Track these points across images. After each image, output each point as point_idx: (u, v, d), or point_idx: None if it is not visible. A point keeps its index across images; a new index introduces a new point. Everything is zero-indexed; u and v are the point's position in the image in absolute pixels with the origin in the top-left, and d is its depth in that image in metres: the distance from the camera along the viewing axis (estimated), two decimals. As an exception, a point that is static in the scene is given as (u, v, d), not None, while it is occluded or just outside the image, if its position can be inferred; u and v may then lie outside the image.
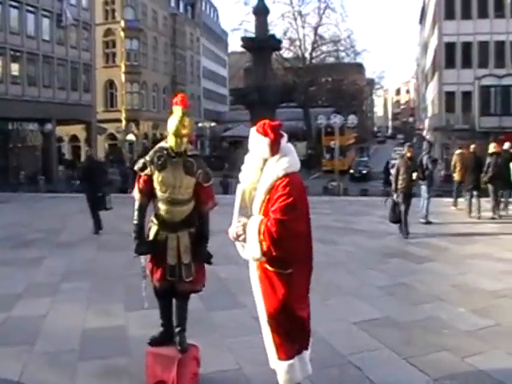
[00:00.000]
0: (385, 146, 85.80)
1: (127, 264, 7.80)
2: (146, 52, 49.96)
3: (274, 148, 3.14)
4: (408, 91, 69.32)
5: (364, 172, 36.73)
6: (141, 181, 3.92)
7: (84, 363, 4.34)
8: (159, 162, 3.87)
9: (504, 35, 37.68)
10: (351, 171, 36.30)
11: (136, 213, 3.95)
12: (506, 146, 13.79)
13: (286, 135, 3.22)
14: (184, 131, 3.84)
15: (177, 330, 4.02)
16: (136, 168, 3.95)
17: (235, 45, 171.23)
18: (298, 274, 3.15)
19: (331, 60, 56.81)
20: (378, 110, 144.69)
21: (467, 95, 38.16)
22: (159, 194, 3.89)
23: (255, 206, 3.19)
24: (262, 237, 3.02)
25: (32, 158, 33.18)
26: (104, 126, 43.60)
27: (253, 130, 3.24)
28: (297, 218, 3.04)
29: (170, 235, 3.94)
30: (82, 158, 32.36)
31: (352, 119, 28.86)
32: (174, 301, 4.12)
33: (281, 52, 45.61)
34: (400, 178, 10.07)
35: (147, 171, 3.89)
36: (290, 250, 3.06)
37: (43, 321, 5.35)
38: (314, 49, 53.32)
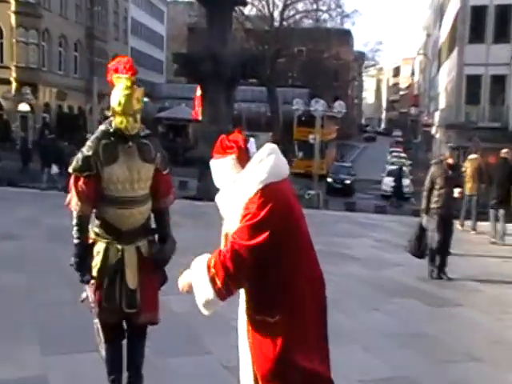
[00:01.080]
0: (375, 144, 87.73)
1: (33, 286, 7.75)
2: (49, -14, 48.94)
3: (244, 159, 3.16)
4: (413, 72, 70.49)
5: (347, 182, 36.57)
6: (80, 184, 3.93)
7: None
8: (108, 152, 3.92)
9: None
10: (329, 180, 36.27)
11: (76, 229, 3.99)
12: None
13: (251, 139, 3.28)
14: (137, 106, 3.96)
15: (129, 379, 4.12)
16: (72, 169, 3.97)
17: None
18: (293, 319, 3.14)
19: (309, 23, 57.59)
20: (369, 96, 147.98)
21: (499, 81, 38.73)
22: (110, 194, 3.95)
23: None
24: (213, 270, 3.04)
25: None
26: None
27: (211, 162, 3.27)
28: (271, 241, 3.01)
29: (127, 248, 4.00)
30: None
31: (339, 107, 29.38)
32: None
33: (242, 8, 45.84)
34: (435, 193, 9.80)
35: (90, 171, 3.91)
36: (260, 283, 3.08)
37: None
38: (286, 6, 53.98)
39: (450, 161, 10.10)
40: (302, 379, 3.16)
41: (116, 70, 4.00)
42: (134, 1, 69.70)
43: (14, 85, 45.37)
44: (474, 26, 39.58)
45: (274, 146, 3.25)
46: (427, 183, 9.98)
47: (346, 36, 69.33)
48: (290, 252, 3.11)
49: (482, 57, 38.74)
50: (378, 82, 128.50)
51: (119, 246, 3.98)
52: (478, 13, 39.28)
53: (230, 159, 3.16)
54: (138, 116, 4.00)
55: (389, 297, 8.50)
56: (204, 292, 3.08)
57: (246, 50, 46.08)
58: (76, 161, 3.96)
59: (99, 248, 4.01)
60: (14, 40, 45.70)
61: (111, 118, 4.00)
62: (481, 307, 8.33)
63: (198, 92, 23.52)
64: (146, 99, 52.15)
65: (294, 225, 3.16)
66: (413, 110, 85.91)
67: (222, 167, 3.21)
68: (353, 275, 9.63)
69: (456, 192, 9.84)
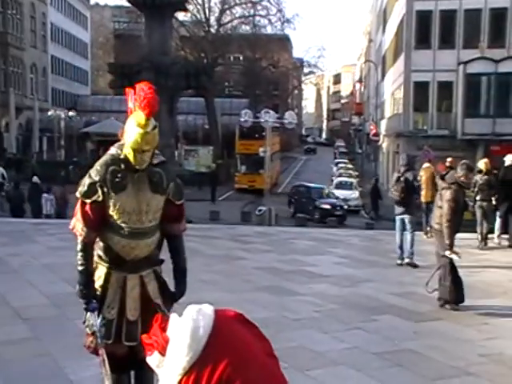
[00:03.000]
0: (317, 155, 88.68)
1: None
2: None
3: (165, 348, 2.85)
4: (360, 79, 71.30)
5: (344, 208, 33.85)
6: (86, 209, 3.98)
7: None
8: (116, 181, 3.97)
9: (506, 0, 38.56)
10: (325, 206, 33.65)
11: (80, 255, 4.01)
12: (509, 159, 15.39)
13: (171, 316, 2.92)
14: (146, 147, 3.99)
15: None
16: (79, 194, 4.01)
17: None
18: None
19: (247, 30, 58.13)
20: (309, 105, 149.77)
21: (446, 87, 39.84)
22: (116, 223, 4.01)
23: None
24: None
25: None
26: None
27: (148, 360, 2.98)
28: None
29: (130, 277, 4.06)
30: None
31: (290, 118, 29.82)
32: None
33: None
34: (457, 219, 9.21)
35: (96, 197, 3.96)
36: None
37: None
38: (223, 11, 54.40)
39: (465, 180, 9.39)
40: None
41: (137, 103, 4.01)
42: (54, 4, 68.56)
43: None
44: (420, 31, 40.67)
45: (187, 313, 2.85)
46: (451, 211, 9.04)
47: (285, 42, 70.18)
48: None
49: (428, 63, 39.94)
50: (318, 90, 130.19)
51: (122, 274, 4.04)
52: (424, 18, 40.35)
53: (156, 356, 2.89)
54: (149, 154, 4.03)
55: (367, 314, 8.68)
56: None
57: (186, 58, 46.22)
58: (82, 185, 3.99)
59: (100, 273, 4.05)
60: None
61: (122, 142, 4.06)
62: (459, 320, 8.58)
63: (130, 104, 23.34)
64: (70, 113, 51.91)
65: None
66: (356, 119, 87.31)
67: (153, 365, 2.91)
68: (326, 294, 9.79)
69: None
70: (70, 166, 36.58)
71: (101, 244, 4.07)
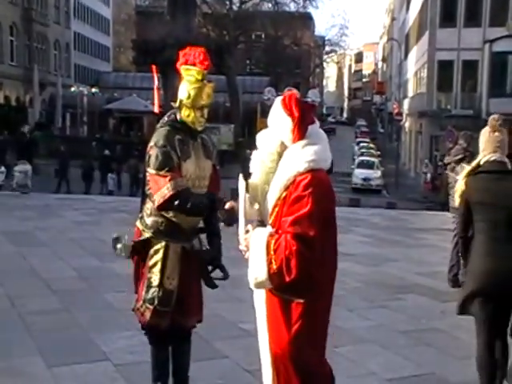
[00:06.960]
0: (337, 134, 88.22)
1: (13, 294, 7.59)
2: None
3: (298, 132, 3.31)
4: (384, 58, 69.99)
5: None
6: (165, 176, 3.95)
7: None
8: (184, 149, 4.05)
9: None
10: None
11: (192, 203, 3.93)
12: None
13: (317, 121, 3.44)
14: (206, 101, 4.10)
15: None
16: (153, 169, 3.97)
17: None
18: (316, 306, 3.34)
19: (268, 7, 57.82)
20: (330, 84, 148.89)
21: (471, 66, 39.55)
22: None
23: (268, 206, 3.36)
24: (272, 253, 3.16)
25: None
26: None
27: (278, 100, 3.41)
28: (323, 233, 3.23)
29: (186, 246, 4.18)
30: None
31: (313, 96, 29.65)
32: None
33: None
34: None
35: (172, 164, 3.98)
36: (309, 275, 3.22)
37: None
38: (246, -12, 54.15)
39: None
40: (309, 376, 3.33)
41: (186, 61, 4.11)
42: (77, -19, 68.54)
43: None
44: (445, 8, 40.17)
45: (325, 136, 3.44)
46: None
47: (307, 20, 69.67)
48: (331, 239, 3.40)
49: (453, 41, 39.40)
50: (340, 68, 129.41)
51: (179, 244, 4.12)
52: (449, -4, 39.90)
53: (286, 120, 3.31)
54: (206, 111, 4.13)
55: (392, 293, 8.72)
56: (258, 271, 3.23)
57: (209, 36, 46.03)
58: (155, 158, 3.97)
59: (158, 247, 4.10)
60: None
61: (175, 110, 4.12)
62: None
63: (157, 83, 23.20)
64: (93, 90, 51.97)
65: (334, 216, 3.41)
66: (377, 98, 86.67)
67: (277, 117, 3.37)
68: (351, 272, 9.74)
69: None
70: (93, 142, 36.68)
71: (158, 219, 4.09)
